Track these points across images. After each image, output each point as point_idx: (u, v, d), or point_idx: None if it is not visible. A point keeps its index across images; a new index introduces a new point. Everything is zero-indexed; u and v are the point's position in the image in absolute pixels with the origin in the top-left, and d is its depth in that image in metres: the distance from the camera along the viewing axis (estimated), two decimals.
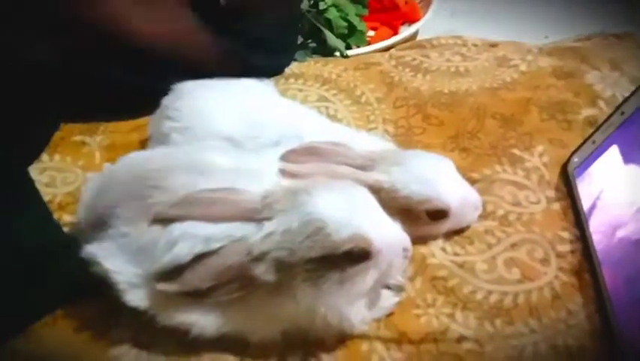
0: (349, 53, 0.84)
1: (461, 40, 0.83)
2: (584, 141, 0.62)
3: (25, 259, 0.50)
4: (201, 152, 0.52)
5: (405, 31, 0.92)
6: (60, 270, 0.51)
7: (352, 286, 0.45)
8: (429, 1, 0.99)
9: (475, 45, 0.82)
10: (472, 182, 0.60)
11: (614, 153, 0.58)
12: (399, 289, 0.52)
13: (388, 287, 0.51)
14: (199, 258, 0.44)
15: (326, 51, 0.84)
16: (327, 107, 0.71)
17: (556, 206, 0.59)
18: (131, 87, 0.67)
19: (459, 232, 0.56)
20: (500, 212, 0.58)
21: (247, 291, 0.45)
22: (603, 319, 0.49)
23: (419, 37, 0.93)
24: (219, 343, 0.47)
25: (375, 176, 0.52)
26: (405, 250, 0.47)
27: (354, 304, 0.46)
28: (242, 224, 0.45)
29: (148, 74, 0.68)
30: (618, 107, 0.59)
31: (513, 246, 0.55)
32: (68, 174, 0.63)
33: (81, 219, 0.52)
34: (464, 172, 0.58)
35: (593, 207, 0.57)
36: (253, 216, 0.45)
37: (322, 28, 0.84)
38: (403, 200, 0.52)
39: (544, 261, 0.54)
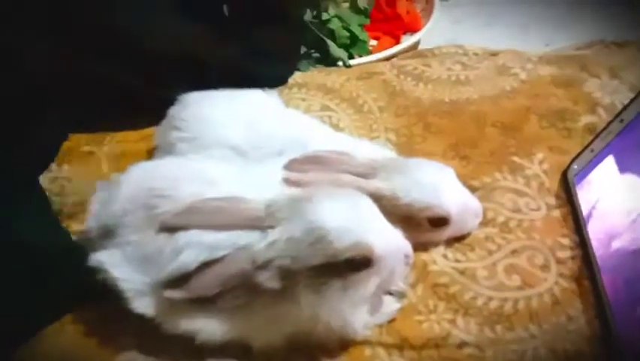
0: (352, 62, 0.85)
1: (462, 50, 0.84)
2: (584, 149, 0.63)
3: (33, 266, 0.51)
4: (207, 161, 0.54)
5: (407, 41, 0.93)
6: (68, 277, 0.52)
7: (354, 293, 0.46)
8: (430, 11, 1.00)
9: (476, 54, 0.83)
10: (473, 190, 0.60)
11: (613, 160, 0.58)
12: (401, 295, 0.52)
13: (390, 293, 0.52)
14: (205, 266, 0.45)
15: (329, 61, 0.85)
16: (330, 117, 0.72)
17: (557, 213, 0.60)
18: (137, 98, 0.69)
19: (460, 238, 0.57)
20: (501, 219, 0.59)
21: (251, 298, 0.46)
22: (603, 324, 0.50)
23: (421, 47, 0.94)
24: (224, 349, 0.48)
25: (377, 184, 0.53)
26: (406, 256, 0.48)
27: (357, 311, 0.47)
28: (246, 232, 0.46)
29: (154, 84, 0.69)
30: (617, 115, 0.60)
31: (513, 252, 0.56)
32: (77, 183, 0.64)
33: (89, 227, 0.53)
34: (465, 180, 0.59)
35: (591, 214, 0.58)
36: (257, 224, 0.46)
37: (325, 38, 0.85)
38: (404, 207, 0.53)
39: (545, 267, 0.55)
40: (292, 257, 0.45)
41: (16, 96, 0.62)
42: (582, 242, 0.57)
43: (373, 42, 0.95)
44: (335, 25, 0.87)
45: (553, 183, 0.63)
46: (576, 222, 0.59)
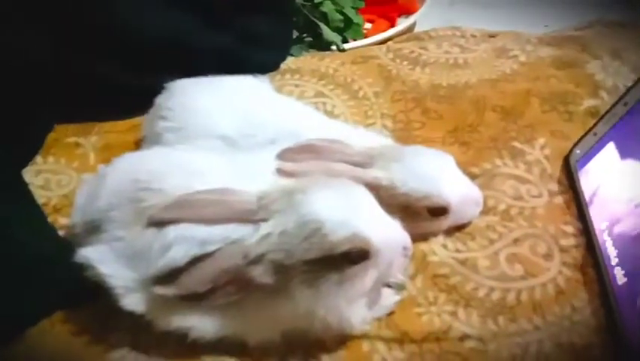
0: (346, 46, 0.82)
1: (459, 32, 0.82)
2: (586, 133, 0.61)
3: (19, 263, 0.49)
4: (195, 152, 0.52)
5: (402, 23, 0.91)
6: (54, 274, 0.50)
7: (351, 287, 0.44)
8: None
9: (474, 36, 0.81)
10: (473, 177, 0.59)
11: (616, 145, 0.57)
12: (400, 287, 0.51)
13: (389, 286, 0.50)
14: (195, 261, 0.43)
15: (322, 45, 0.82)
16: (324, 103, 0.70)
17: (559, 199, 0.58)
18: (125, 86, 0.67)
19: (460, 228, 0.55)
20: (502, 207, 0.57)
21: (245, 293, 0.44)
22: (608, 314, 0.49)
23: (417, 29, 0.92)
24: (219, 345, 0.46)
25: (374, 173, 0.51)
26: (405, 248, 0.46)
27: (354, 305, 0.46)
28: (238, 226, 0.44)
29: (142, 72, 0.67)
30: (621, 98, 0.58)
31: (515, 241, 0.55)
32: (63, 176, 0.62)
33: (74, 222, 0.51)
34: (464, 167, 0.57)
35: (593, 200, 0.56)
36: (249, 217, 0.44)
37: (318, 21, 0.83)
38: (402, 197, 0.51)
39: (548, 256, 0.53)
40: (286, 251, 0.43)
41: (4, 86, 0.60)
42: (585, 229, 0.55)
43: (367, 25, 0.93)
44: (328, 7, 0.84)
45: (554, 168, 0.61)
46: (579, 208, 0.57)
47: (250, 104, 0.58)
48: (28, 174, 0.61)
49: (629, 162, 0.54)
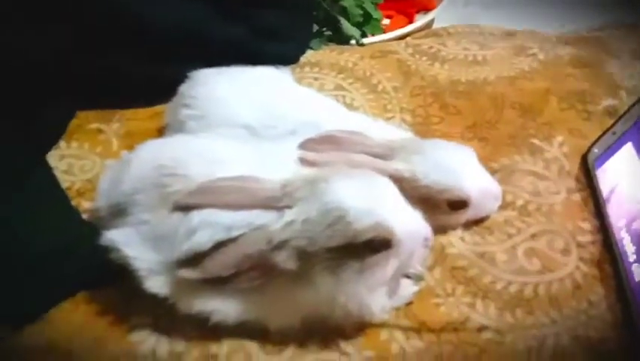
0: (365, 41, 0.83)
1: (478, 29, 0.82)
2: (605, 132, 0.62)
3: (43, 244, 0.50)
4: (217, 140, 0.52)
5: (420, 20, 0.91)
6: (79, 255, 0.51)
7: (372, 275, 0.45)
8: None
9: (492, 34, 0.81)
10: (492, 172, 0.59)
11: (634, 145, 0.57)
12: (418, 278, 0.51)
13: (408, 276, 0.51)
14: (219, 245, 0.44)
15: (341, 39, 0.83)
16: (343, 96, 0.70)
17: (577, 197, 0.59)
18: (146, 75, 0.67)
19: (478, 222, 0.56)
20: (520, 202, 0.58)
21: (267, 279, 0.45)
22: (624, 310, 0.49)
23: (435, 26, 0.92)
24: (239, 329, 0.47)
25: (395, 165, 0.52)
26: (426, 239, 0.47)
27: (375, 293, 0.46)
28: (262, 212, 0.45)
29: (159, 62, 0.68)
30: None
31: (533, 236, 0.55)
32: (86, 161, 0.63)
33: (100, 206, 0.52)
34: (483, 162, 0.58)
35: (610, 198, 0.56)
36: (273, 204, 0.45)
37: (337, 16, 0.83)
38: (423, 189, 0.51)
39: (565, 251, 0.54)
40: (309, 238, 0.43)
41: (24, 73, 0.61)
42: (603, 226, 0.56)
43: (386, 21, 0.93)
44: (348, 2, 0.85)
45: (573, 166, 0.62)
46: (596, 206, 0.58)
47: (272, 94, 0.59)
48: (52, 159, 0.62)
49: None
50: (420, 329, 0.49)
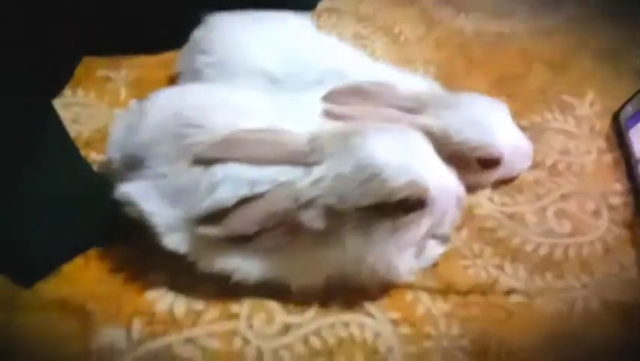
0: None
1: None
2: (638, 91, 0.59)
3: (52, 198, 0.48)
4: (240, 89, 0.49)
5: None
6: (90, 210, 0.49)
7: (404, 235, 0.43)
8: None
9: None
10: (522, 129, 0.56)
11: None
12: (445, 239, 0.49)
13: (434, 236, 0.49)
14: (243, 202, 0.42)
15: None
16: (364, 46, 0.67)
17: (608, 157, 0.57)
18: (156, 17, 0.63)
19: (507, 181, 0.54)
20: (549, 162, 0.56)
21: (293, 238, 0.43)
22: None
23: None
24: (261, 288, 0.45)
25: (425, 120, 0.49)
26: (459, 199, 0.45)
27: (404, 254, 0.44)
28: (288, 167, 0.42)
29: (173, 2, 0.63)
30: None
31: (563, 197, 0.53)
32: (94, 110, 0.60)
33: (112, 157, 0.49)
34: (513, 119, 0.55)
35: None
36: (300, 159, 0.42)
37: None
38: (454, 146, 0.49)
39: (596, 213, 0.52)
40: (339, 196, 0.41)
41: (27, 13, 0.56)
42: (634, 188, 0.54)
43: None
44: None
45: (603, 125, 0.59)
46: (628, 167, 0.56)
47: (295, 41, 0.55)
48: (57, 107, 0.58)
49: None
50: (446, 291, 0.47)
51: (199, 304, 0.46)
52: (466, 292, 0.47)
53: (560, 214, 0.52)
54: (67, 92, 0.62)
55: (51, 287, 0.47)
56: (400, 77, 0.55)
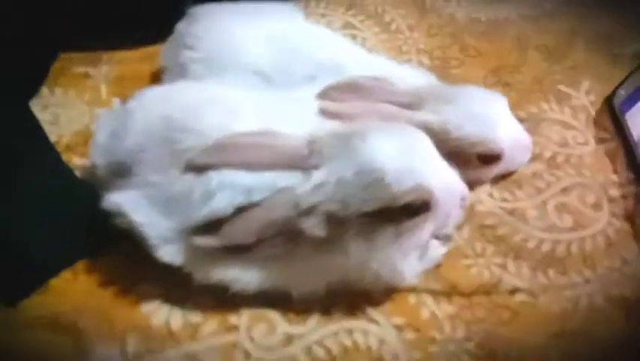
0: None
1: None
2: (631, 72, 0.58)
3: (36, 208, 0.45)
4: (232, 87, 0.46)
5: None
6: (78, 219, 0.46)
7: (408, 240, 0.41)
8: None
9: None
10: (519, 121, 0.55)
11: None
12: (447, 238, 0.48)
13: (436, 237, 0.48)
14: (240, 210, 0.40)
15: None
16: (354, 36, 0.64)
17: (606, 147, 0.56)
18: (137, 8, 0.59)
19: (506, 175, 0.53)
20: (548, 154, 0.55)
21: (293, 246, 0.41)
22: None
23: None
24: (260, 298, 0.44)
25: (424, 116, 0.47)
26: (463, 199, 0.43)
27: (408, 258, 0.43)
28: (287, 172, 0.40)
29: None
30: None
31: (563, 190, 0.52)
32: (74, 110, 0.56)
33: (96, 164, 0.46)
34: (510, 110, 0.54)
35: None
36: (299, 163, 0.40)
37: None
38: (454, 142, 0.47)
39: (596, 206, 0.51)
40: (342, 202, 0.39)
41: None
42: (636, 177, 0.53)
43: None
44: None
45: (600, 114, 0.58)
46: (627, 156, 0.55)
47: (284, 33, 0.52)
48: (35, 108, 0.55)
49: None
50: (450, 292, 0.46)
51: (196, 317, 0.44)
52: (470, 293, 0.46)
53: (561, 208, 0.51)
54: (44, 91, 0.58)
55: (39, 303, 0.44)
56: (396, 70, 0.53)
